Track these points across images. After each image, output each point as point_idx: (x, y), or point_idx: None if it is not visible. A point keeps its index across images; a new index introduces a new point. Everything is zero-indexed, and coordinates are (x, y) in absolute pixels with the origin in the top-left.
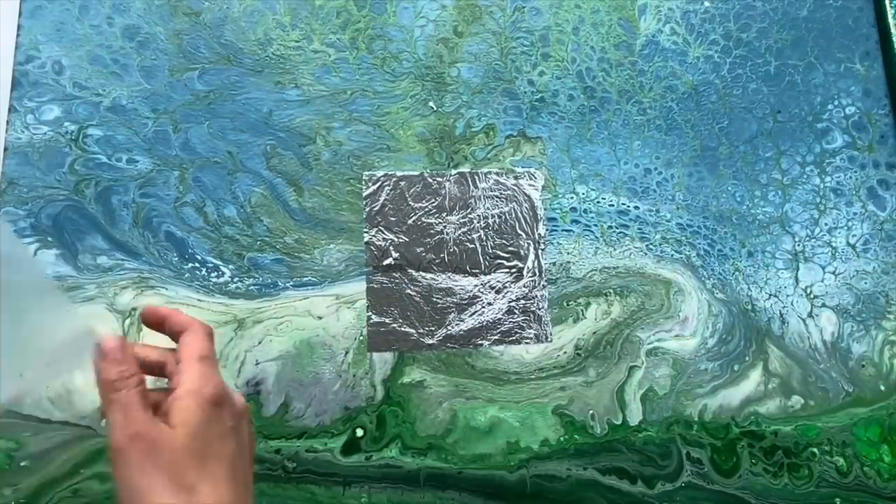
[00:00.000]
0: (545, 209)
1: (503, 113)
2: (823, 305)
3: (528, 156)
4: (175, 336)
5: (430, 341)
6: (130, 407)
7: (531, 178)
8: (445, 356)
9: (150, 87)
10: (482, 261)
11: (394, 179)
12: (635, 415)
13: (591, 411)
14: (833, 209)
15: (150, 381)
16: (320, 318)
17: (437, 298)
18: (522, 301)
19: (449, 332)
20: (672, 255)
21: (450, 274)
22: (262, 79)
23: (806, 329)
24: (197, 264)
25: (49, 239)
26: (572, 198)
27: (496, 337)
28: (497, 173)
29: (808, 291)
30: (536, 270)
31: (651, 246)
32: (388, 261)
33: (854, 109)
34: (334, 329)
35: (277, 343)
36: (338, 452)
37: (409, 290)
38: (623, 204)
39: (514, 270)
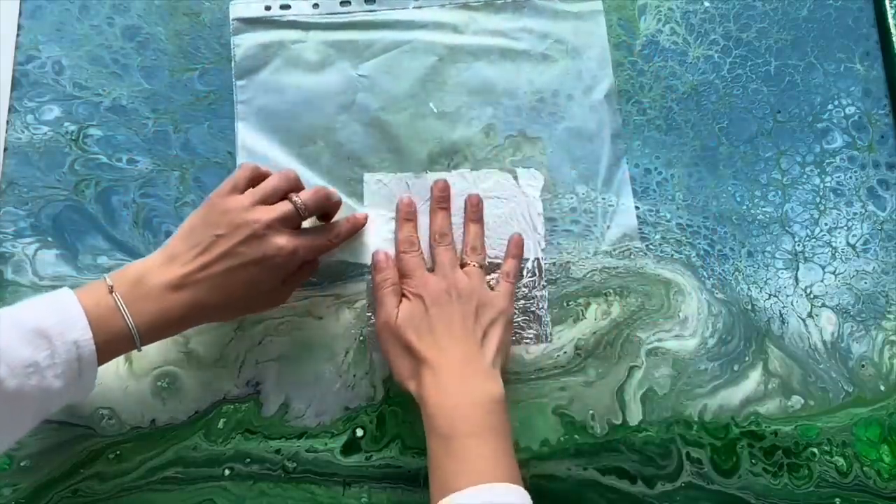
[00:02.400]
0: (545, 209)
1: (503, 113)
2: (823, 305)
3: (528, 156)
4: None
5: None
6: (384, 303)
7: (531, 178)
8: None
9: (150, 87)
10: None
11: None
12: (635, 415)
13: (591, 411)
14: (833, 209)
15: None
16: (320, 318)
17: None
18: (522, 301)
19: None
20: (672, 255)
21: None
22: None
23: (806, 329)
24: None
25: (49, 239)
26: (572, 198)
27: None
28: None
29: (808, 291)
30: (536, 270)
31: (651, 246)
32: None
33: (854, 109)
34: (334, 329)
35: (277, 343)
36: (338, 452)
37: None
38: (622, 204)
39: None
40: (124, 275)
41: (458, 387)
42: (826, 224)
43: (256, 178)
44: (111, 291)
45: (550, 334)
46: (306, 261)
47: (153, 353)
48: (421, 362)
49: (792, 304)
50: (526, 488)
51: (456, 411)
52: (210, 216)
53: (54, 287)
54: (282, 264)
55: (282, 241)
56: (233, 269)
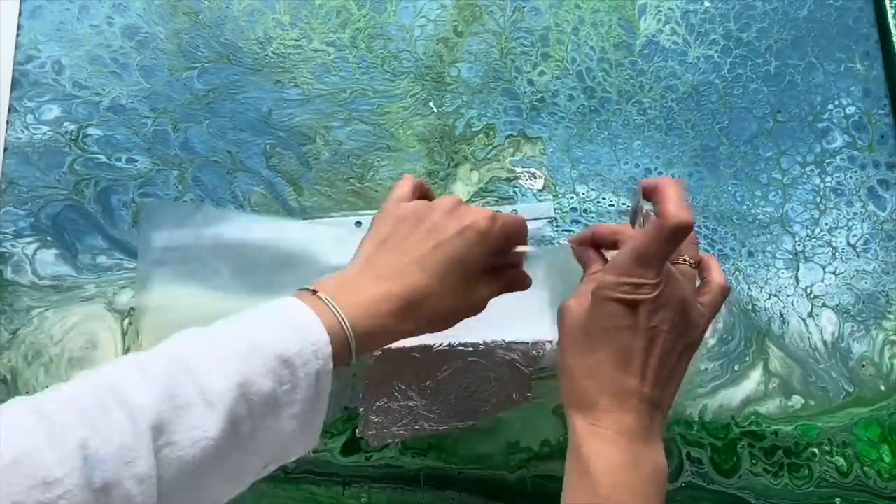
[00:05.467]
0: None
1: (503, 113)
2: (823, 305)
3: (528, 156)
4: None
5: (431, 341)
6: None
7: (531, 178)
8: None
9: (149, 87)
10: None
11: None
12: None
13: None
14: (833, 209)
15: None
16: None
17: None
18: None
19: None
20: None
21: None
22: (261, 78)
23: (806, 329)
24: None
25: (49, 239)
26: (572, 198)
27: (496, 337)
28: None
29: (809, 291)
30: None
31: None
32: None
33: (854, 109)
34: None
35: None
36: (338, 452)
37: None
38: (623, 204)
39: None
40: (324, 282)
41: (642, 448)
42: (826, 224)
43: (419, 188)
44: (315, 293)
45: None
46: (511, 264)
47: None
48: (627, 397)
49: (792, 304)
50: (528, 488)
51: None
52: (394, 214)
53: (54, 287)
54: (484, 232)
55: (477, 209)
56: (438, 246)
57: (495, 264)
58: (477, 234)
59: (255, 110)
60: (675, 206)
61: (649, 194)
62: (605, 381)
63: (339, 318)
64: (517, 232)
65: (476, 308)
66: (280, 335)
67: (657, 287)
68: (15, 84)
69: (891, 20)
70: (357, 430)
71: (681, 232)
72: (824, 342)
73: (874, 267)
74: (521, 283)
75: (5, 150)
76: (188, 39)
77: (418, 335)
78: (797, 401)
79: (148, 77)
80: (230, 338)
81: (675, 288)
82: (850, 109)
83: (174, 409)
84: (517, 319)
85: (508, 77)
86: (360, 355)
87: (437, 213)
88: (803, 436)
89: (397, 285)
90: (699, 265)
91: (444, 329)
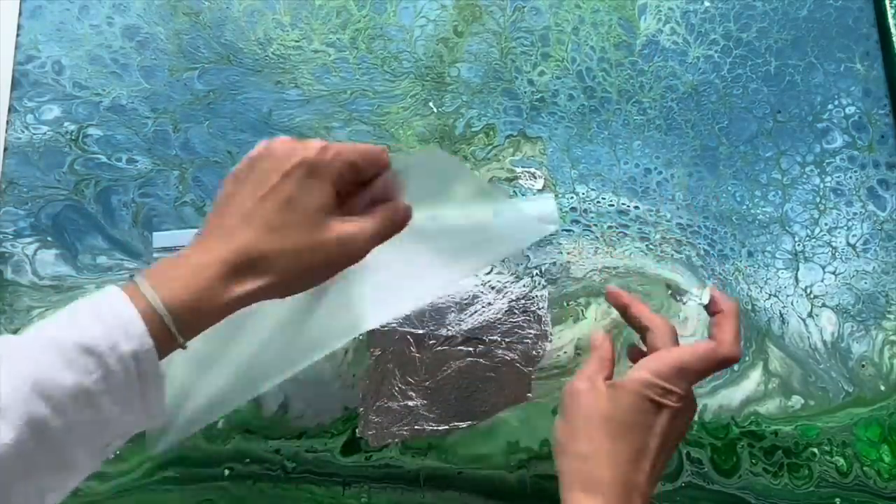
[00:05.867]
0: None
1: (503, 113)
2: (823, 305)
3: (528, 156)
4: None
5: (431, 341)
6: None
7: (531, 178)
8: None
9: (150, 87)
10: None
11: None
12: None
13: None
14: (833, 209)
15: None
16: None
17: (437, 298)
18: (522, 301)
19: (449, 332)
20: (672, 255)
21: None
22: (262, 79)
23: (806, 329)
24: None
25: (49, 239)
26: (572, 198)
27: (496, 337)
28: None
29: (808, 291)
30: (537, 270)
31: (651, 246)
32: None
33: (854, 109)
34: None
35: None
36: (338, 452)
37: None
38: (623, 204)
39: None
40: (149, 268)
41: None
42: (826, 224)
43: None
44: (132, 279)
45: (550, 334)
46: (381, 199)
47: None
48: (636, 495)
49: (792, 304)
50: (526, 488)
51: None
52: (229, 175)
53: (54, 287)
54: (313, 165)
55: (307, 143)
56: (266, 195)
57: (355, 202)
58: (307, 170)
59: (255, 111)
60: (733, 339)
61: (713, 308)
62: (619, 473)
63: (147, 296)
64: (364, 158)
65: (349, 255)
66: (81, 325)
67: (683, 399)
68: (15, 84)
69: (891, 20)
70: (357, 430)
71: (728, 365)
72: (824, 342)
73: (874, 267)
74: (399, 217)
75: (5, 150)
76: (188, 40)
77: (278, 296)
78: (797, 401)
79: (148, 77)
80: (28, 340)
81: (691, 402)
82: (850, 109)
83: None
84: (432, 261)
85: (508, 77)
86: (194, 332)
87: (266, 160)
88: (803, 436)
89: (221, 249)
90: None
91: (316, 283)
